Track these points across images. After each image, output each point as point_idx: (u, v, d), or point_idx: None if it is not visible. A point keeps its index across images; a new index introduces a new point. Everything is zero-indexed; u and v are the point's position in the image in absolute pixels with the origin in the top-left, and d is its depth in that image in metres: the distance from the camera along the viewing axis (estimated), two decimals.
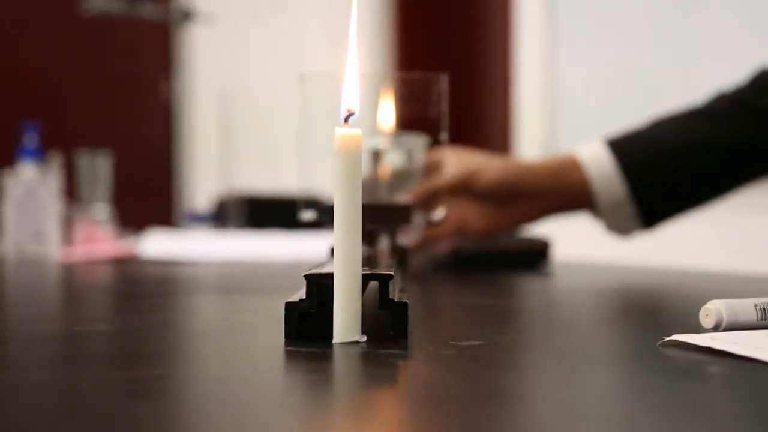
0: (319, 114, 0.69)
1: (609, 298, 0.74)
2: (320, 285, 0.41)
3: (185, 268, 0.99)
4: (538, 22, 2.41)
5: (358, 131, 0.41)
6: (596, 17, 2.24)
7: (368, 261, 0.55)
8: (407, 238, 0.87)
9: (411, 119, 0.85)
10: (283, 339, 0.42)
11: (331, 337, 0.41)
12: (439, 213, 0.83)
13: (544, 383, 0.35)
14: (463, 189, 0.91)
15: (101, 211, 1.36)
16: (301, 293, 0.42)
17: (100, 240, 1.30)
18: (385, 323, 0.42)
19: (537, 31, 2.41)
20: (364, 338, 0.41)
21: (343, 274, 0.40)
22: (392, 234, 0.80)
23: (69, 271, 0.99)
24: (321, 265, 0.47)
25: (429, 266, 0.98)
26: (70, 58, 2.97)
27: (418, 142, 0.86)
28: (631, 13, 2.14)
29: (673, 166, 0.91)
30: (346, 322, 0.41)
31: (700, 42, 1.92)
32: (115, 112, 3.03)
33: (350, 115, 0.42)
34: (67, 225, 1.30)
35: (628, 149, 0.92)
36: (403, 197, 0.85)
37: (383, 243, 0.79)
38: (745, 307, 0.43)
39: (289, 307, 0.42)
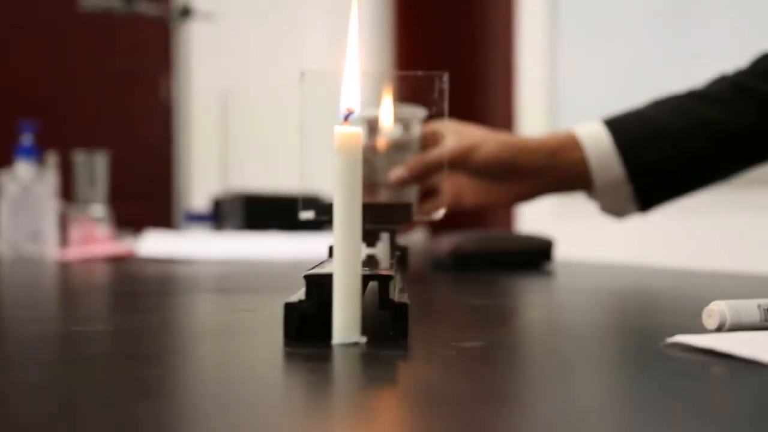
0: (319, 112, 0.69)
1: (610, 298, 0.73)
2: (320, 285, 0.41)
3: (184, 267, 0.99)
4: (540, 21, 2.41)
5: (358, 129, 0.41)
6: (598, 17, 2.24)
7: (368, 261, 0.55)
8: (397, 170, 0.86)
9: None
10: (282, 339, 0.42)
11: (330, 337, 0.40)
12: (439, 213, 0.83)
13: (544, 384, 0.35)
14: (461, 163, 0.91)
15: (99, 210, 1.35)
16: (300, 293, 0.42)
17: (97, 239, 1.30)
18: (385, 324, 0.42)
19: (538, 30, 2.41)
20: (364, 339, 0.41)
21: (342, 275, 0.40)
22: (392, 234, 0.79)
23: (66, 270, 0.98)
24: (321, 265, 0.46)
25: (429, 266, 0.97)
26: (70, 58, 2.97)
27: (415, 113, 0.85)
28: (632, 12, 2.14)
29: (672, 148, 0.91)
30: (345, 322, 0.40)
31: (700, 42, 1.92)
32: (114, 111, 3.03)
33: (350, 113, 0.42)
34: (64, 224, 1.30)
35: (627, 130, 0.91)
36: (399, 170, 0.85)
37: (383, 243, 0.79)
38: (749, 308, 0.43)
39: (289, 307, 0.42)
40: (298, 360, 0.39)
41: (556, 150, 0.92)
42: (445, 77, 0.76)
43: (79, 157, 1.38)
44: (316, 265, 0.46)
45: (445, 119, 0.77)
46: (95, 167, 1.38)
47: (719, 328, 0.43)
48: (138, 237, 1.39)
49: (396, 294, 0.44)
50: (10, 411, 0.30)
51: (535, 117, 2.41)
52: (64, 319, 0.57)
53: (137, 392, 0.32)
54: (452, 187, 0.93)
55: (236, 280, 0.85)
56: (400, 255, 0.71)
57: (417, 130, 0.87)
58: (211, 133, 3.01)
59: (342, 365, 0.38)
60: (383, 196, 0.88)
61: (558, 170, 0.92)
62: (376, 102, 0.79)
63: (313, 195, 0.85)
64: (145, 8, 2.13)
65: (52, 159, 1.29)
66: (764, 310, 0.43)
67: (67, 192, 1.38)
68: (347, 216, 0.40)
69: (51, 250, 1.22)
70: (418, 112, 0.85)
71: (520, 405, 0.32)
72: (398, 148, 0.86)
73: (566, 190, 0.95)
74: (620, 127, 0.91)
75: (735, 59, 0.95)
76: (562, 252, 1.03)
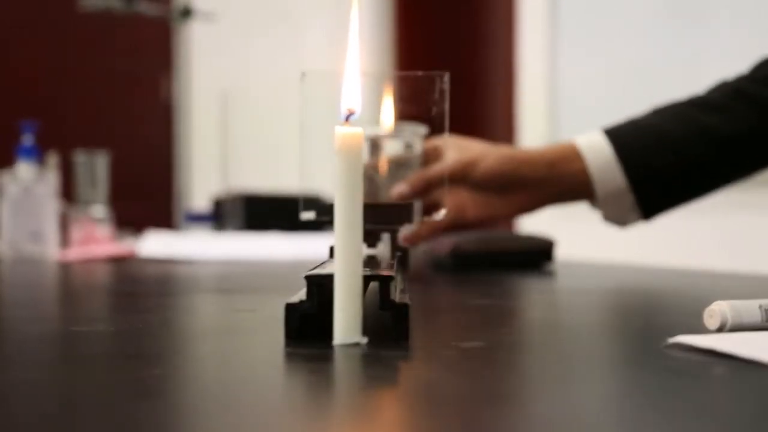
0: (319, 112, 0.69)
1: (611, 298, 0.73)
2: (321, 285, 0.41)
3: (184, 267, 0.99)
4: (540, 22, 2.41)
5: (359, 130, 0.41)
6: (598, 17, 2.24)
7: (369, 261, 0.55)
8: (403, 230, 0.87)
9: (412, 118, 0.85)
10: (283, 340, 0.42)
11: (331, 338, 0.40)
12: (440, 213, 0.83)
13: (544, 384, 0.35)
14: (461, 177, 0.91)
15: (99, 210, 1.35)
16: (301, 294, 0.42)
17: (98, 240, 1.30)
18: (386, 324, 0.42)
19: (539, 30, 2.41)
20: (365, 339, 0.41)
21: (343, 275, 0.40)
22: (393, 234, 0.79)
23: (66, 270, 0.98)
24: (321, 265, 0.46)
25: (429, 266, 0.97)
26: (70, 58, 2.97)
27: (416, 131, 0.86)
28: (632, 12, 2.14)
29: (673, 156, 0.91)
30: (346, 323, 0.40)
31: (700, 42, 1.92)
32: (114, 111, 3.03)
33: (351, 114, 0.42)
34: (65, 225, 1.30)
35: (627, 139, 0.91)
36: (400, 186, 0.85)
37: (384, 243, 0.79)
38: (750, 309, 0.43)
39: (290, 307, 0.42)
40: (299, 360, 0.39)
41: (557, 161, 0.92)
42: (446, 77, 0.76)
43: (80, 158, 1.39)
44: (317, 266, 0.46)
45: (445, 120, 0.76)
46: (96, 167, 1.38)
47: (720, 329, 0.43)
48: (138, 237, 1.39)
49: (397, 294, 0.44)
50: (10, 411, 0.29)
51: (536, 117, 2.41)
52: (64, 319, 0.57)
53: (137, 392, 0.32)
54: (454, 201, 0.93)
55: (237, 281, 0.85)
56: (400, 255, 0.71)
57: (418, 146, 0.87)
58: (212, 133, 3.02)
59: (343, 366, 0.38)
60: None
61: (559, 181, 0.92)
62: (376, 109, 0.79)
63: (314, 195, 0.85)
64: (146, 8, 2.13)
65: (52, 159, 1.29)
66: (766, 310, 0.43)
67: (68, 192, 1.38)
68: (348, 216, 0.40)
69: (51, 251, 1.22)
70: (420, 129, 0.85)
71: (520, 405, 0.32)
72: (400, 165, 0.86)
73: (568, 200, 0.95)
74: (621, 136, 0.91)
75: (735, 59, 0.95)
76: (562, 252, 1.03)
